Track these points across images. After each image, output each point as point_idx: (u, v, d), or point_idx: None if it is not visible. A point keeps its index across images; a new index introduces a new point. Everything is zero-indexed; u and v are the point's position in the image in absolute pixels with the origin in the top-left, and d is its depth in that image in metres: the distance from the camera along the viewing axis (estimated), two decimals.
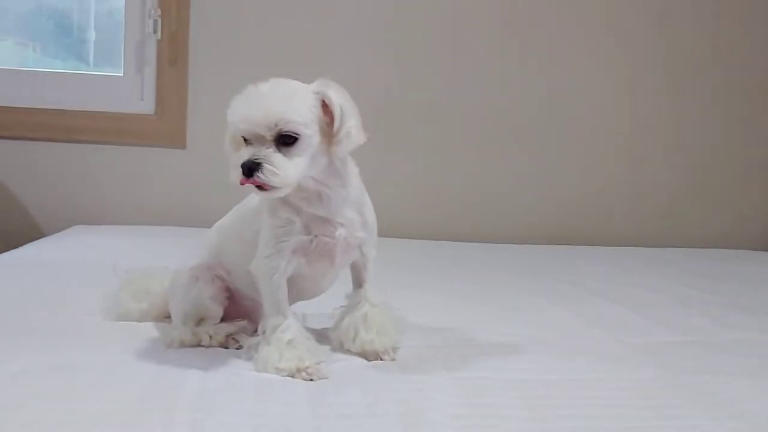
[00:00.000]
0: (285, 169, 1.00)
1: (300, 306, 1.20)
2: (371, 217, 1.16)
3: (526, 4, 2.67)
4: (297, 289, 1.13)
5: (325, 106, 1.04)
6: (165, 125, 2.55)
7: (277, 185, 1.00)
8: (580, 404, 0.98)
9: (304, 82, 1.07)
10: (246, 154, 1.00)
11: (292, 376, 1.04)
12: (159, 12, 2.49)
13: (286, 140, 1.01)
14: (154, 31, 2.50)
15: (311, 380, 1.03)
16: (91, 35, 2.70)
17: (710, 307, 1.64)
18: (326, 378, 1.04)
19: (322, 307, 1.24)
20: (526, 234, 2.64)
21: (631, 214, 2.76)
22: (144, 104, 2.56)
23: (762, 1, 2.79)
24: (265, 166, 0.99)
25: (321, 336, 1.18)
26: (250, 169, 0.99)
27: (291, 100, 1.01)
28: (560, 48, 2.70)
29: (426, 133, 2.66)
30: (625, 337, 1.35)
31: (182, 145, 2.56)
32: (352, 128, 1.03)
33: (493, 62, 2.67)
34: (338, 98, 1.03)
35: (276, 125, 1.00)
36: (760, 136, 2.82)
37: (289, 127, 1.00)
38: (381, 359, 1.13)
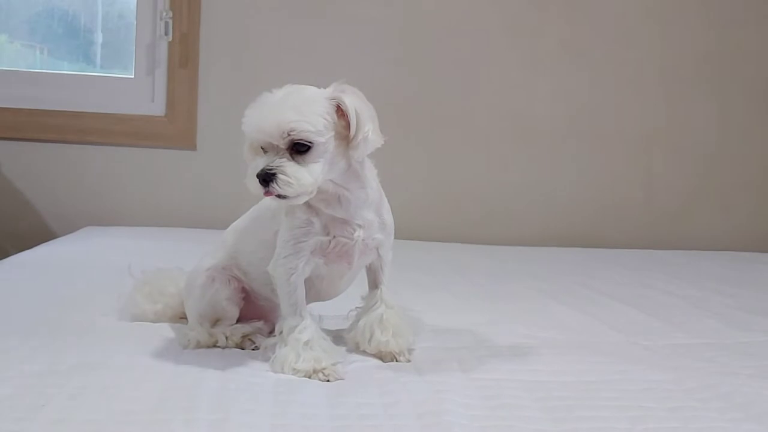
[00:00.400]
0: (299, 178, 1.00)
1: (316, 307, 1.20)
2: (389, 219, 1.16)
3: (538, 9, 2.67)
4: (315, 290, 1.14)
5: (341, 111, 1.04)
6: (175, 127, 2.56)
7: (291, 195, 1.01)
8: (597, 406, 0.98)
9: (318, 86, 1.07)
10: (261, 163, 1.01)
11: (309, 377, 1.04)
12: (170, 14, 2.50)
13: (299, 148, 1.01)
14: (166, 33, 2.51)
15: (328, 381, 1.03)
16: (98, 37, 2.71)
17: (724, 309, 1.64)
18: (342, 379, 1.05)
19: (338, 309, 1.24)
20: (539, 237, 2.64)
21: (643, 217, 2.76)
22: (155, 106, 2.57)
23: None
24: (279, 176, 1.00)
25: (337, 337, 1.19)
26: (265, 180, 1.00)
27: (303, 108, 1.01)
28: (575, 50, 2.70)
29: (440, 137, 2.66)
30: (640, 339, 1.35)
31: (192, 147, 2.57)
32: (369, 132, 1.03)
33: (506, 66, 2.67)
34: (354, 103, 1.03)
35: (288, 134, 1.00)
36: None
37: (301, 136, 1.00)
38: (397, 360, 1.13)
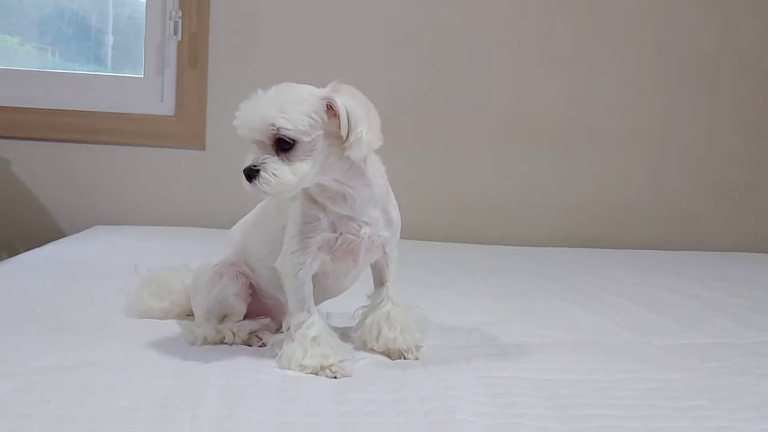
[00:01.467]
0: (281, 175, 1.00)
1: (323, 305, 1.19)
2: (396, 216, 1.15)
3: (548, 8, 2.66)
4: (320, 287, 1.13)
5: (334, 111, 1.03)
6: (185, 127, 2.56)
7: (271, 192, 1.01)
8: (606, 404, 0.97)
9: (322, 85, 1.06)
10: (249, 159, 1.02)
11: (316, 374, 1.03)
12: (180, 14, 2.50)
13: (283, 145, 1.01)
14: (175, 33, 2.51)
15: (335, 378, 1.03)
16: (109, 39, 2.72)
17: (735, 309, 1.62)
18: (350, 376, 1.04)
19: (344, 307, 1.24)
20: (547, 237, 2.63)
21: (652, 217, 2.74)
22: (164, 106, 2.57)
23: None
24: (261, 173, 1.00)
25: (344, 335, 1.18)
26: (249, 175, 1.01)
27: (287, 106, 1.01)
28: (582, 51, 2.68)
29: (449, 137, 2.65)
30: (651, 338, 1.34)
31: (201, 147, 2.57)
32: (363, 132, 1.02)
33: (515, 65, 2.66)
34: (346, 103, 1.02)
35: (270, 131, 1.00)
36: None
37: (282, 133, 1.00)
38: (404, 358, 1.13)
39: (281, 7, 2.58)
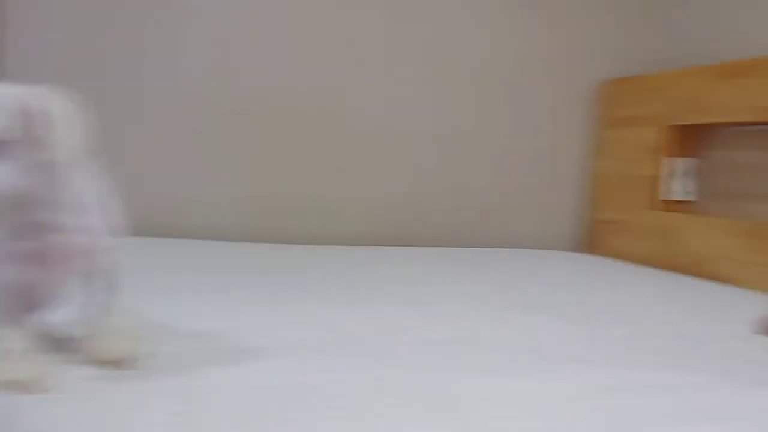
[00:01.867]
0: None
1: (30, 317, 1.13)
2: (111, 223, 1.12)
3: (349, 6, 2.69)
4: (23, 299, 1.08)
5: (33, 114, 0.99)
6: None
7: None
8: (309, 407, 0.97)
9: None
10: None
11: (9, 390, 0.98)
12: None
13: None
14: None
15: (32, 393, 0.98)
16: None
17: (502, 305, 1.68)
18: (47, 391, 0.99)
19: (58, 317, 1.18)
20: (350, 235, 2.67)
21: (447, 215, 2.84)
22: None
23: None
24: None
25: (53, 347, 1.12)
26: None
27: None
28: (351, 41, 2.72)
29: (249, 138, 2.62)
30: (391, 336, 1.37)
31: None
32: (66, 136, 0.99)
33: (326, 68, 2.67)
34: (48, 105, 0.98)
35: None
36: (572, 141, 2.96)
37: None
38: (118, 368, 1.09)
39: (76, 10, 2.47)
